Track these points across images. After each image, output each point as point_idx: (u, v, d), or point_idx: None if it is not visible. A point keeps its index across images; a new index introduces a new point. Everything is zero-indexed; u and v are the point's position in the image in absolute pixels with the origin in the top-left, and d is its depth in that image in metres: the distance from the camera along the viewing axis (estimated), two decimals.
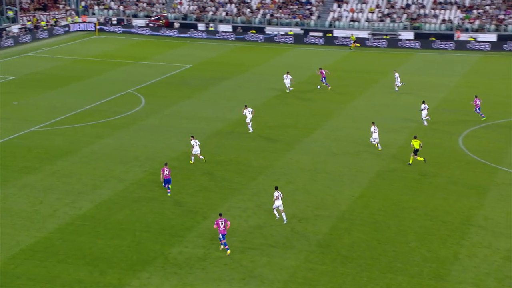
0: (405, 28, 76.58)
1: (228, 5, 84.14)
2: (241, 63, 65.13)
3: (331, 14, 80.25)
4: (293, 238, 28.24)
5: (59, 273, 25.30)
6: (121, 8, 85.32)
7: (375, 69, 61.96)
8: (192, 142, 36.33)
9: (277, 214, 29.77)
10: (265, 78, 57.76)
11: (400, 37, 74.95)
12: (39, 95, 51.31)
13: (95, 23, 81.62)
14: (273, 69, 60.45)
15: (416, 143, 36.08)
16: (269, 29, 79.23)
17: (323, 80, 53.12)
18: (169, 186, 32.52)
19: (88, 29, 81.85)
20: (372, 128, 38.36)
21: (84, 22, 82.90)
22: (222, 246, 26.93)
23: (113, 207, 31.01)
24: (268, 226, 29.26)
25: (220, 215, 27.05)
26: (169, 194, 32.42)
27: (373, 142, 38.65)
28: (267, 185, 33.89)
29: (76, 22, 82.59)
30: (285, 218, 29.48)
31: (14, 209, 30.54)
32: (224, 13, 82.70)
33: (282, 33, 77.75)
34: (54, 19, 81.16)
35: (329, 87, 53.19)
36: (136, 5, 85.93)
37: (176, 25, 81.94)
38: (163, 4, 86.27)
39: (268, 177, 35.05)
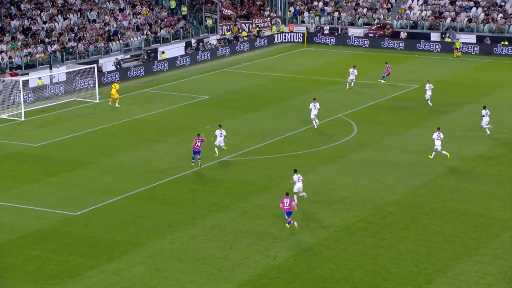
0: None
1: (474, 9, 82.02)
2: (485, 84, 62.87)
3: None
4: None
5: None
6: (336, 14, 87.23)
7: None
8: (217, 132, 43.10)
9: (296, 199, 35.55)
10: None
11: None
12: (234, 118, 54.14)
13: (303, 33, 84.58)
14: None
15: None
16: None
17: (386, 75, 62.99)
18: (198, 157, 41.31)
19: (295, 40, 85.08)
20: (435, 135, 42.70)
21: (291, 31, 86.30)
22: (288, 225, 33.00)
23: (314, 259, 31.41)
24: None
25: (287, 194, 33.17)
26: (192, 164, 41.71)
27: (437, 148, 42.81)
28: None
29: (281, 32, 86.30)
30: (304, 194, 36.46)
31: (201, 253, 32.24)
32: (466, 20, 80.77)
33: None
34: (257, 29, 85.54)
35: (383, 82, 63.13)
36: (355, 10, 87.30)
37: (403, 35, 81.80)
38: (387, 9, 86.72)
39: None
